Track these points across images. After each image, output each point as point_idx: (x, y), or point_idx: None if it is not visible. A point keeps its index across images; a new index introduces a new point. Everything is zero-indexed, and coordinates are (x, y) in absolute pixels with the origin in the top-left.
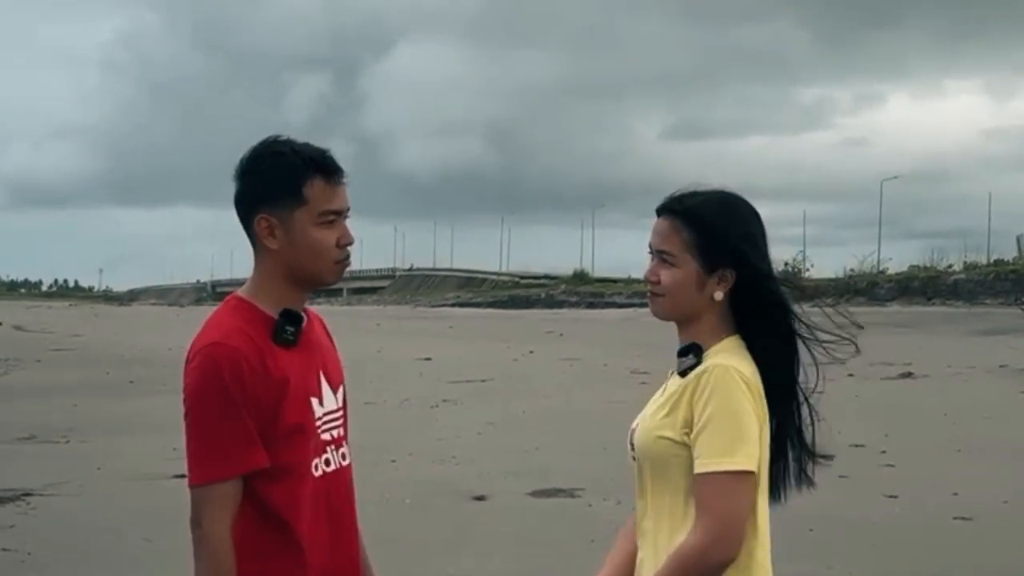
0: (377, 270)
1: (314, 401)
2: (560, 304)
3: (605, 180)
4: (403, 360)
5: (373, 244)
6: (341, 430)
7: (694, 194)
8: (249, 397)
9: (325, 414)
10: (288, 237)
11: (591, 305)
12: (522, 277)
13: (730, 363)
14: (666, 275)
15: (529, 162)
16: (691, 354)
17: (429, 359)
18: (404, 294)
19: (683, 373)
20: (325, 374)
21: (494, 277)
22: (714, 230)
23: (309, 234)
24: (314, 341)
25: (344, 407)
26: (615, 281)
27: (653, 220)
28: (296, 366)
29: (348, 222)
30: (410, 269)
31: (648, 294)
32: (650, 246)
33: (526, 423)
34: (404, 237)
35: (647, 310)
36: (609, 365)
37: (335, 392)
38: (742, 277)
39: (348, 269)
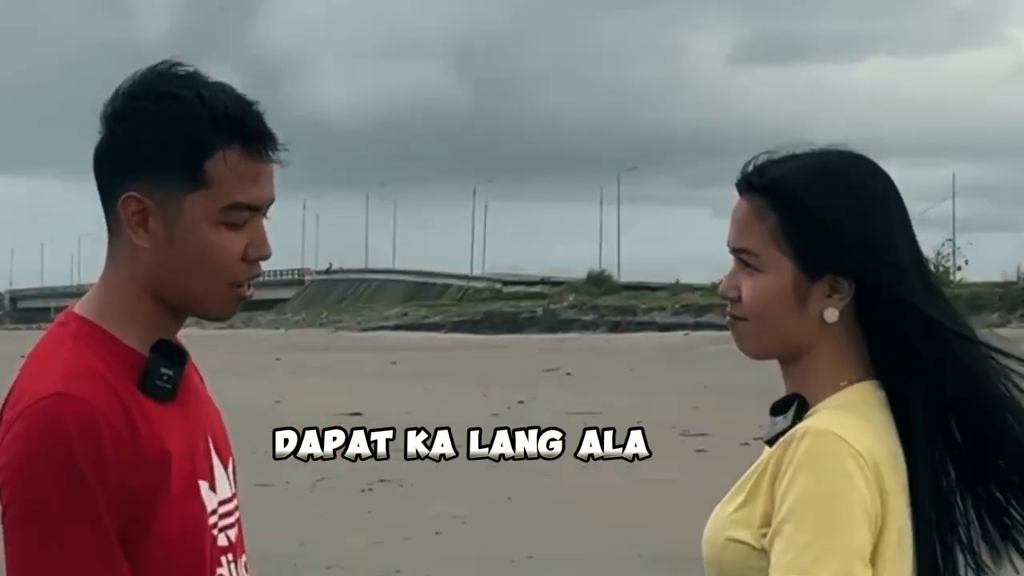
0: (276, 273)
1: (203, 487)
2: (566, 325)
3: (639, 130)
4: (317, 415)
5: (270, 231)
6: (237, 529)
7: (788, 158)
8: (112, 484)
9: (219, 504)
10: (168, 233)
11: (615, 327)
12: (506, 282)
13: (831, 423)
14: (748, 286)
15: (517, 102)
16: (787, 412)
17: (358, 414)
18: (318, 310)
19: (771, 442)
20: (214, 442)
21: (462, 283)
22: (816, 213)
23: (202, 235)
24: (192, 392)
25: (236, 494)
26: (654, 289)
27: (731, 199)
28: (177, 432)
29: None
30: (328, 270)
31: (727, 317)
32: (728, 242)
33: (514, 516)
34: (318, 219)
35: (704, 334)
36: (646, 422)
37: (226, 469)
38: (866, 286)
39: None
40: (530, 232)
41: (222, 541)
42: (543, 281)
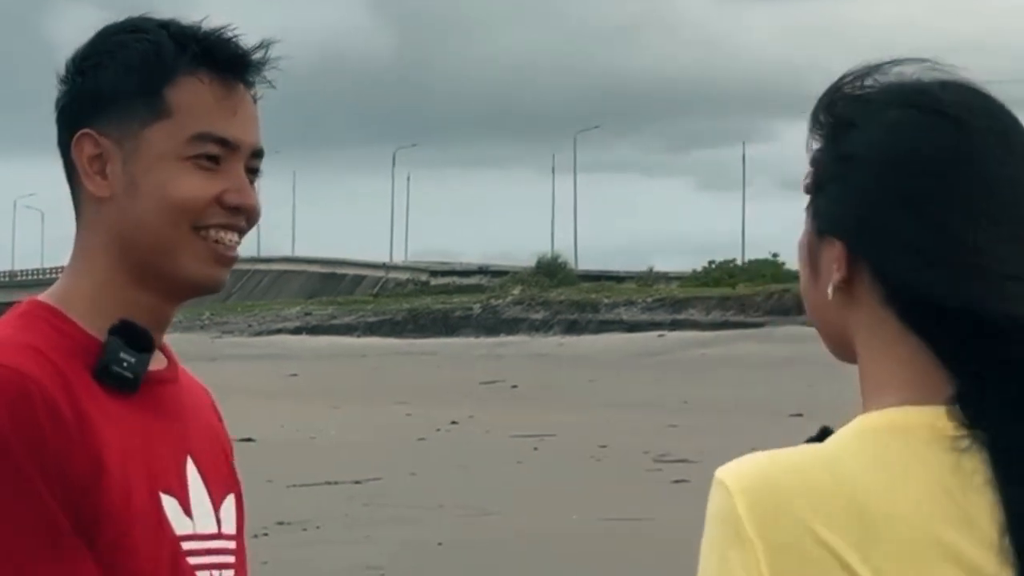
0: None
1: (167, 502)
2: (511, 326)
3: (601, 80)
4: None
5: None
6: (233, 573)
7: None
8: (51, 465)
9: (201, 538)
10: (128, 176)
11: (572, 328)
12: (435, 272)
13: (740, 459)
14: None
15: (448, 47)
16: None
17: (251, 440)
18: (198, 310)
19: None
20: (199, 465)
21: (379, 274)
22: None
23: (164, 172)
24: (183, 403)
25: (240, 537)
26: (621, 279)
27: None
28: (137, 432)
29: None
30: None
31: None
32: None
33: (444, 567)
34: None
35: (683, 335)
36: (611, 446)
37: (216, 503)
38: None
39: None
40: (464, 209)
41: None
42: (481, 271)
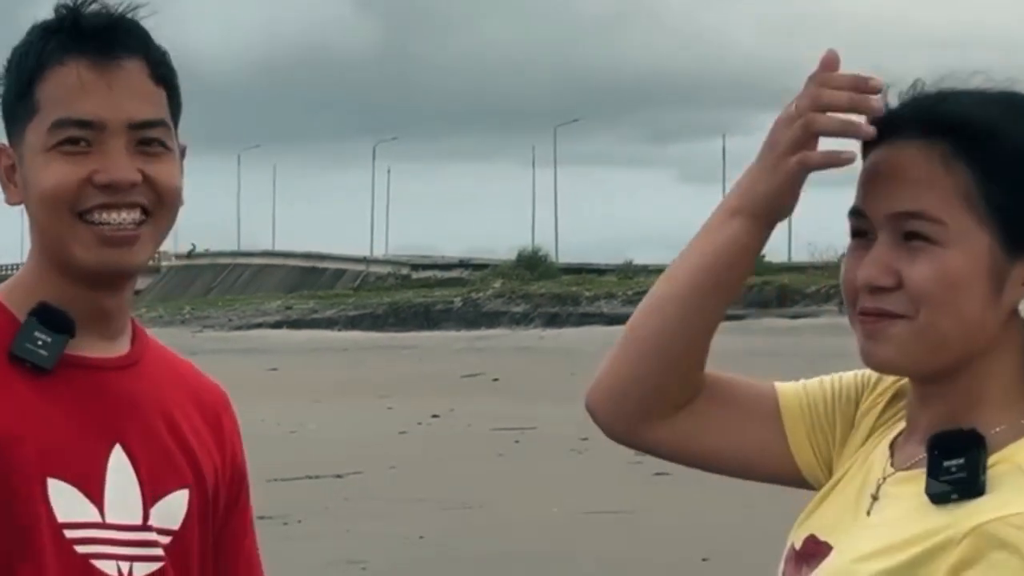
0: None
1: (62, 490)
2: (492, 319)
3: (582, 71)
4: None
5: None
6: (162, 567)
7: (959, 94)
8: None
9: (97, 525)
10: (23, 179)
11: (553, 320)
12: (416, 266)
13: None
14: (925, 267)
15: (429, 39)
16: (962, 456)
17: None
18: (179, 304)
19: (940, 496)
20: (132, 454)
21: (360, 267)
22: None
23: (35, 168)
24: (130, 392)
25: (194, 529)
26: (601, 272)
27: (859, 156)
28: (43, 413)
29: (163, 157)
30: (191, 254)
31: (858, 318)
32: (858, 211)
33: (426, 561)
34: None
35: None
36: (592, 439)
37: (148, 495)
38: None
39: None
40: (445, 203)
41: (108, 569)
42: (462, 264)
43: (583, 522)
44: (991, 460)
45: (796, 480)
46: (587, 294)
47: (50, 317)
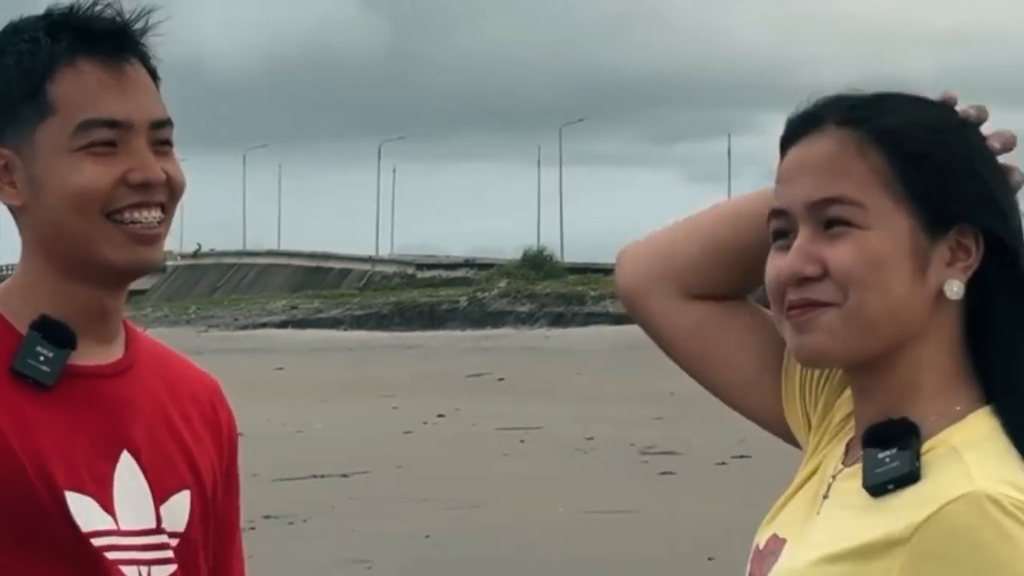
0: None
1: (79, 501)
2: (497, 319)
3: (587, 71)
4: None
5: None
6: (177, 569)
7: (868, 95)
8: None
9: (114, 533)
10: (31, 181)
11: (558, 320)
12: (421, 266)
13: (1000, 484)
14: (846, 251)
15: (435, 38)
16: (895, 446)
17: (238, 435)
18: (184, 303)
19: (877, 488)
20: (140, 459)
21: (365, 267)
22: (939, 141)
23: (60, 169)
24: (128, 397)
25: (196, 529)
26: (607, 272)
27: (779, 154)
28: (49, 426)
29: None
30: (196, 253)
31: (785, 312)
32: (778, 211)
33: (431, 560)
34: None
35: None
36: (597, 438)
37: (158, 498)
38: (994, 251)
39: None
40: (450, 202)
41: (131, 575)
42: (467, 264)
43: (588, 521)
44: (926, 446)
45: (778, 427)
46: (592, 294)
47: (52, 331)
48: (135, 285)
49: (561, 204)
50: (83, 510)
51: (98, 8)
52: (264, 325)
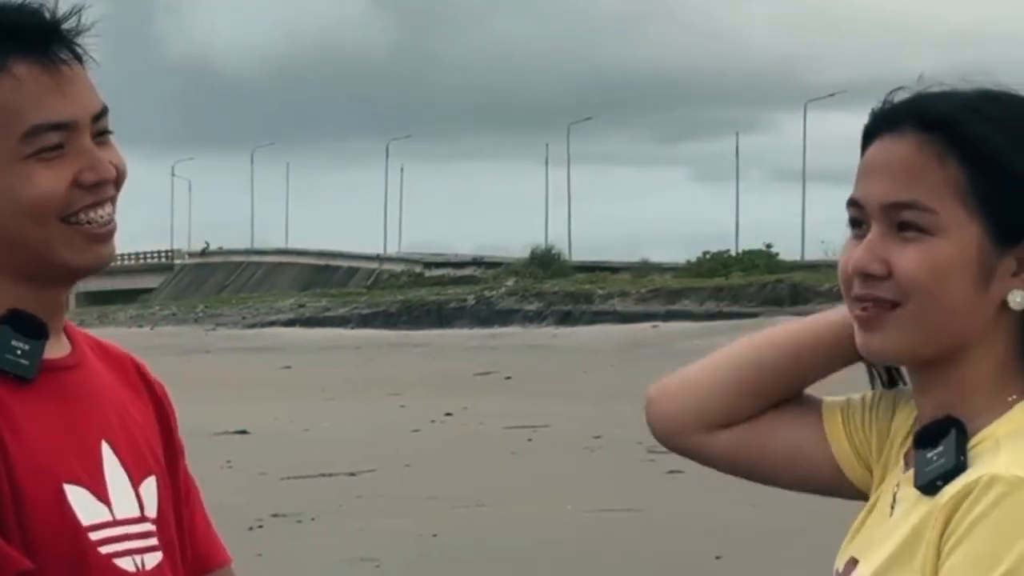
0: (138, 256)
1: (77, 493)
2: (505, 317)
3: (594, 70)
4: (191, 435)
5: (128, 203)
6: (162, 557)
7: (948, 93)
8: None
9: (119, 523)
10: None
11: (566, 319)
12: (429, 264)
13: None
14: (913, 256)
15: (443, 36)
16: (942, 444)
17: (245, 432)
18: (192, 302)
19: (928, 486)
20: (115, 448)
21: (373, 265)
22: (1018, 157)
23: (11, 179)
24: (92, 387)
25: (168, 512)
26: (614, 270)
27: (873, 146)
28: (36, 422)
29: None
30: (204, 252)
31: (853, 305)
32: (854, 202)
33: (439, 559)
34: (191, 188)
35: (677, 326)
36: (605, 437)
37: (135, 482)
38: None
39: None
40: (458, 201)
41: (126, 565)
42: (475, 262)
43: (596, 520)
44: (975, 440)
45: (847, 488)
46: (600, 292)
47: (23, 324)
48: (140, 283)
49: (569, 202)
50: (82, 503)
51: (27, 9)
52: (272, 323)
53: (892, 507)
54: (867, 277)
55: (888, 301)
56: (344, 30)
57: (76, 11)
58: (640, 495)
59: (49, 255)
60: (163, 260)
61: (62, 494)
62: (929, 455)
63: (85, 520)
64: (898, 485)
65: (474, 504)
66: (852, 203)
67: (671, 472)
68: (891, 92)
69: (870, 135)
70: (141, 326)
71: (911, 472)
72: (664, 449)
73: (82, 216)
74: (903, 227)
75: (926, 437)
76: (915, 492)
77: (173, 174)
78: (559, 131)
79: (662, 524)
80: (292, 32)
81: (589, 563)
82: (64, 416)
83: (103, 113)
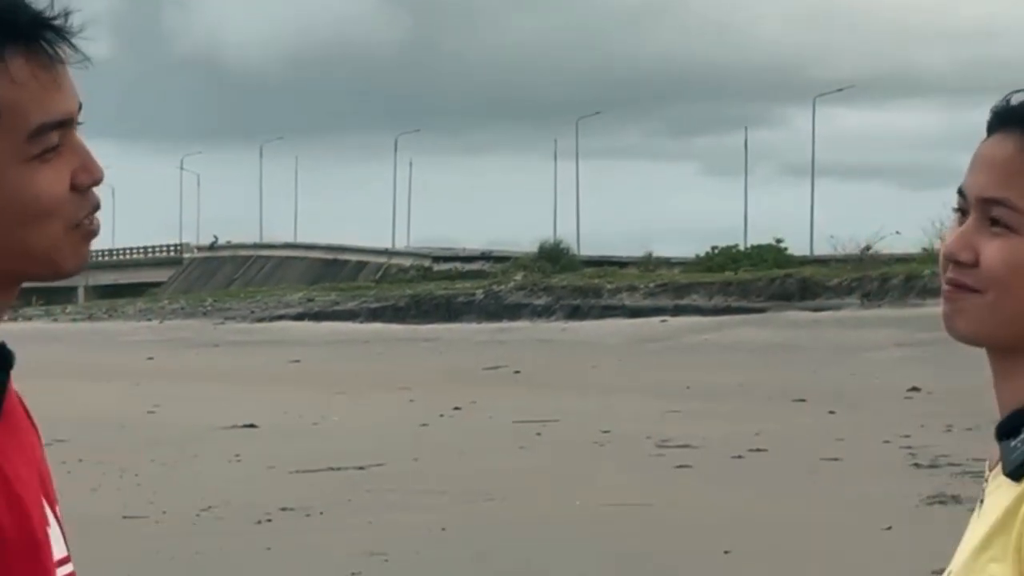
0: (147, 250)
1: (53, 526)
2: (514, 312)
3: (603, 64)
4: (200, 429)
5: (137, 197)
6: None
7: None
8: None
9: (66, 560)
10: None
11: (575, 313)
12: (437, 258)
13: None
14: (998, 249)
15: (452, 31)
16: (1020, 432)
17: (253, 426)
18: (201, 296)
19: (1014, 472)
20: (42, 479)
21: (382, 259)
22: None
23: (15, 181)
24: (19, 414)
25: (69, 549)
26: (623, 265)
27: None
28: (11, 452)
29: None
30: (213, 246)
31: (944, 290)
32: (960, 191)
33: (448, 553)
34: (199, 182)
35: (686, 320)
36: (613, 431)
37: (58, 518)
38: None
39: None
40: (467, 195)
41: None
42: (484, 256)
43: (605, 514)
44: None
45: None
46: (609, 287)
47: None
48: (149, 277)
49: (578, 197)
50: (53, 535)
51: (22, 3)
52: (280, 317)
53: (980, 505)
54: (957, 263)
55: (973, 289)
56: (353, 24)
57: (64, 12)
58: (649, 489)
59: (48, 262)
60: (172, 254)
61: (45, 527)
62: (1012, 444)
63: (56, 555)
64: (986, 480)
65: (483, 498)
66: (958, 191)
67: (680, 466)
68: (1011, 93)
69: (988, 130)
70: (150, 320)
71: (997, 468)
72: (673, 444)
73: (85, 221)
74: (994, 222)
75: (1007, 429)
76: (1003, 481)
77: (182, 168)
78: (568, 125)
79: (671, 518)
80: (301, 26)
81: (598, 557)
82: (22, 450)
83: (80, 105)
